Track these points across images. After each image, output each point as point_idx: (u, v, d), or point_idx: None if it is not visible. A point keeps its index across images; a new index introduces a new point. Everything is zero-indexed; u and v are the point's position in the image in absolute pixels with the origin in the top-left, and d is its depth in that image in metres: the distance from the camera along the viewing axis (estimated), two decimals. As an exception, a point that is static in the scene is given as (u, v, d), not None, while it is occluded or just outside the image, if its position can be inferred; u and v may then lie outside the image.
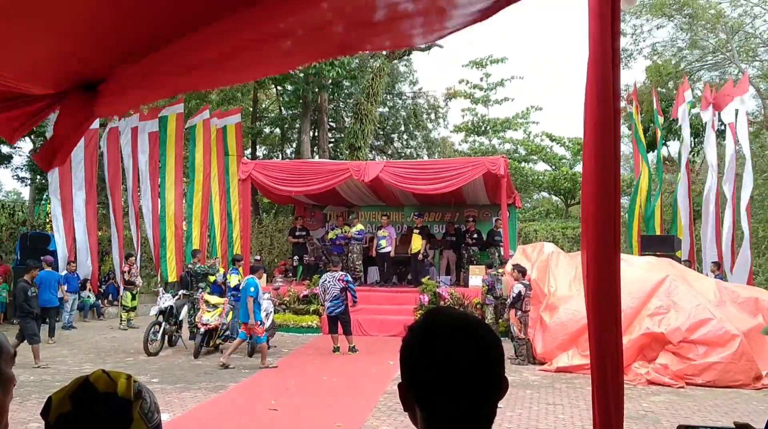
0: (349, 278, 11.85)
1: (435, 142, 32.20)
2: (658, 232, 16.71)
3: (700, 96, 18.15)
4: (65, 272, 15.70)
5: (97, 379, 1.15)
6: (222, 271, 13.44)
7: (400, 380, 1.12)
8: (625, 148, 24.70)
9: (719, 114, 16.32)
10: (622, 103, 17.67)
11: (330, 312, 11.49)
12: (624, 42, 26.07)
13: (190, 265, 13.67)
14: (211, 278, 12.84)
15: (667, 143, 24.41)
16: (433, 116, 30.82)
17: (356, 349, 11.45)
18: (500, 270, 13.04)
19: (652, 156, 18.94)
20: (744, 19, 24.28)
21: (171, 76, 1.52)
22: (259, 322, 10.26)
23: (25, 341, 10.12)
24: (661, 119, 17.58)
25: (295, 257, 17.56)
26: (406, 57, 27.84)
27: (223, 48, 1.36)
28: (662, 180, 17.95)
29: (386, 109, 28.96)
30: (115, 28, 1.43)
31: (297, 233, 17.56)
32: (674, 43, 26.09)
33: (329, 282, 11.55)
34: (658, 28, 25.70)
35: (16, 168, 23.81)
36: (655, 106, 17.75)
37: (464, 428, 1.05)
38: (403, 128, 31.26)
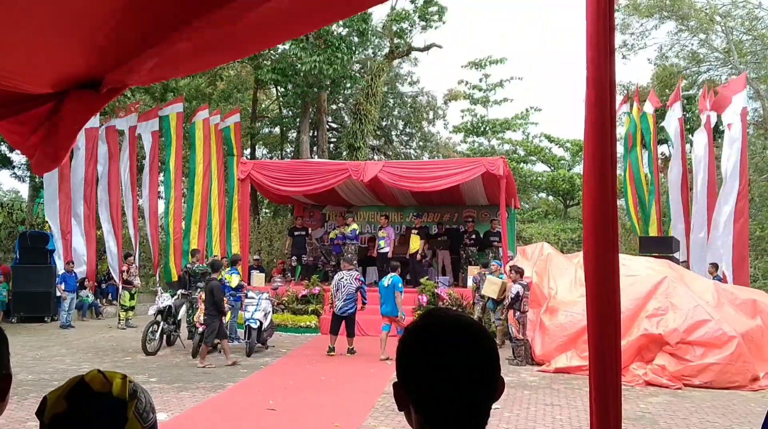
0: (363, 278, 11.81)
1: (433, 141, 32.23)
2: (655, 233, 16.74)
3: (697, 95, 18.15)
4: (63, 271, 15.69)
5: (92, 378, 1.15)
6: (223, 272, 13.26)
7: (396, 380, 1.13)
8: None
9: (719, 115, 16.31)
10: (625, 107, 17.71)
11: (342, 312, 11.30)
12: (627, 37, 26.17)
13: (188, 265, 13.66)
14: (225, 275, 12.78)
15: (668, 144, 24.44)
16: (431, 116, 30.81)
17: (354, 351, 11.40)
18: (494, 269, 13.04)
19: (647, 157, 18.92)
20: (749, 22, 24.32)
21: (186, 53, 1.52)
22: (403, 317, 11.08)
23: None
24: (651, 120, 17.56)
25: (293, 257, 17.56)
26: (406, 56, 27.87)
27: (235, 19, 1.37)
28: (658, 182, 17.94)
29: (386, 108, 29.00)
30: (117, 28, 1.43)
31: (296, 234, 17.55)
32: (681, 45, 26.14)
33: (346, 279, 11.40)
34: (656, 28, 25.80)
35: (15, 167, 23.77)
36: (651, 108, 17.73)
37: (458, 428, 1.06)
38: (402, 128, 31.29)
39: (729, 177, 15.34)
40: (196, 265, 13.38)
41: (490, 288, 12.11)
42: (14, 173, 24.05)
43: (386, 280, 11.47)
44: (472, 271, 14.77)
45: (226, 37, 1.46)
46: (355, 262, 16.00)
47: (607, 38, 1.57)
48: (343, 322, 11.46)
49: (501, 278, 12.16)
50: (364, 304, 11.58)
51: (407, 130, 31.17)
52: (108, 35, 1.44)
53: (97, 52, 1.54)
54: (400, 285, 11.30)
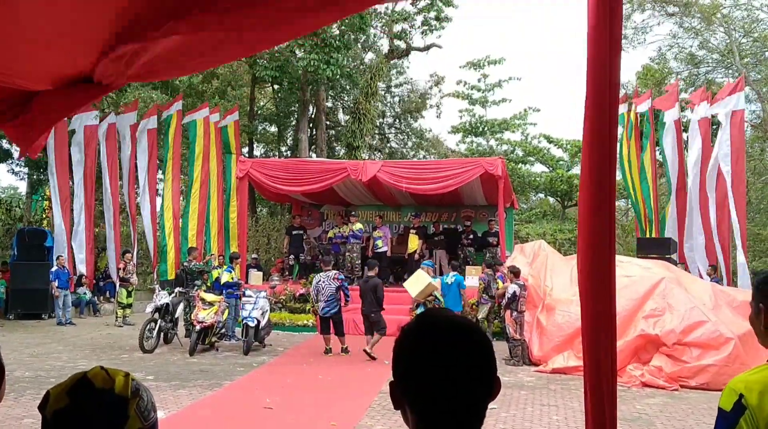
0: (342, 276, 11.75)
1: (427, 138, 32.20)
2: (654, 235, 16.74)
3: (691, 97, 18.12)
4: (55, 268, 15.61)
5: (95, 375, 1.16)
6: (220, 270, 13.24)
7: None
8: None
9: (714, 116, 16.30)
10: (623, 107, 17.67)
11: (324, 313, 11.19)
12: (627, 31, 26.15)
13: (185, 263, 13.65)
14: (215, 273, 12.78)
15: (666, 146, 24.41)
16: (422, 104, 30.75)
17: (348, 350, 11.34)
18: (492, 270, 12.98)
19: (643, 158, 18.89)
20: (749, 24, 24.35)
21: (183, 54, 1.51)
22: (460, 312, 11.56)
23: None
24: (649, 121, 17.53)
25: (291, 256, 17.55)
26: (405, 56, 27.83)
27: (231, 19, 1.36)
28: (656, 183, 17.93)
29: (382, 106, 29.06)
30: (116, 25, 1.43)
31: (294, 232, 17.54)
32: (679, 45, 26.14)
33: (323, 282, 11.27)
34: (659, 24, 25.81)
35: (13, 163, 23.69)
36: (648, 109, 17.71)
37: (454, 428, 1.07)
38: (398, 125, 31.28)
39: (723, 178, 15.29)
40: (193, 264, 13.36)
41: (414, 286, 11.70)
42: (12, 170, 23.99)
43: (449, 279, 12.44)
44: (470, 270, 14.75)
45: (224, 35, 1.45)
46: (358, 262, 16.06)
47: (610, 34, 1.54)
48: (331, 323, 11.35)
49: (500, 280, 12.11)
50: (347, 301, 11.47)
51: (402, 127, 31.16)
52: (108, 28, 1.44)
53: (98, 46, 1.53)
54: (464, 282, 12.48)
